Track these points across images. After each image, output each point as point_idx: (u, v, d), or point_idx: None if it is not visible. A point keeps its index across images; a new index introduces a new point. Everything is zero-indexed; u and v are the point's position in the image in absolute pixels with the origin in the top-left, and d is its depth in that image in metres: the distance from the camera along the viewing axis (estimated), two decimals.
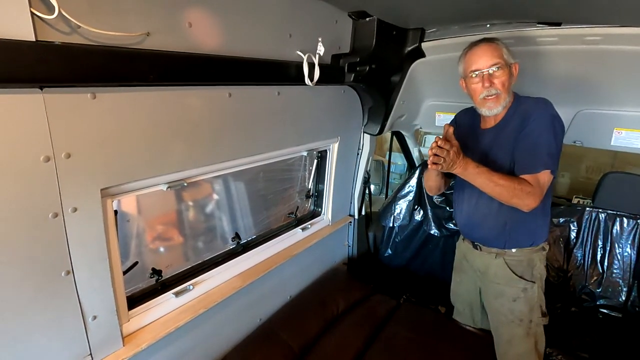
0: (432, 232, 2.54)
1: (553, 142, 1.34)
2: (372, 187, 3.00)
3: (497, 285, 1.56)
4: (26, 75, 0.83)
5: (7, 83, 0.81)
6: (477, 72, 1.41)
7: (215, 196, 1.82)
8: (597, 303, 2.28)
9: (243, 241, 1.85)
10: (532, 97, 1.45)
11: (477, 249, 1.64)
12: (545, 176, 1.33)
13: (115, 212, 1.20)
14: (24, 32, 0.80)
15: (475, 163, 1.32)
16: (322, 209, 2.31)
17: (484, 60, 1.39)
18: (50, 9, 0.82)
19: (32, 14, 0.80)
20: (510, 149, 1.42)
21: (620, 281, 2.23)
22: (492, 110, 1.44)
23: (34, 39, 0.82)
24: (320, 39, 1.51)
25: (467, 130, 1.63)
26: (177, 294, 1.45)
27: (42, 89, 0.87)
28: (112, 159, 1.06)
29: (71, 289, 1.06)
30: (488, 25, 1.71)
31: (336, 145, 2.13)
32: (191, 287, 1.51)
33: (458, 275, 1.84)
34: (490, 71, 1.39)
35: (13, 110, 0.84)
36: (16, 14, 0.79)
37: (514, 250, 1.53)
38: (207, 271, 1.61)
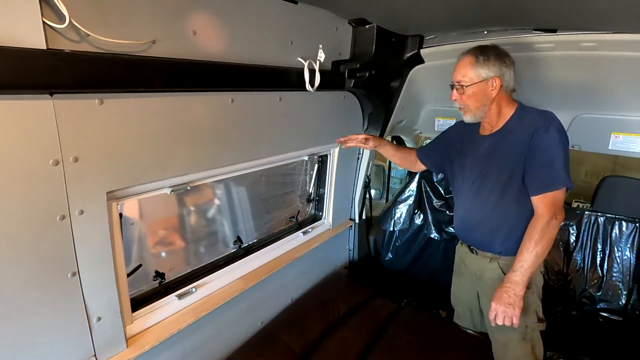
0: (432, 236, 2.56)
1: (565, 159, 1.37)
2: (373, 191, 3.02)
3: (491, 290, 1.56)
4: (37, 82, 0.86)
5: (19, 89, 0.84)
6: (451, 85, 1.50)
7: (217, 200, 1.84)
8: (598, 306, 2.28)
9: (245, 245, 1.87)
10: (537, 110, 1.47)
11: (473, 252, 1.66)
12: (563, 192, 1.39)
13: (120, 215, 1.22)
14: (36, 40, 0.83)
15: (517, 277, 1.38)
16: (323, 213, 2.33)
17: (454, 75, 1.48)
18: (61, 18, 0.85)
19: (44, 23, 0.84)
20: (513, 159, 1.44)
21: (620, 284, 2.23)
22: (465, 118, 1.53)
23: (45, 47, 0.85)
24: (320, 46, 1.54)
25: (464, 138, 1.67)
26: (179, 297, 1.47)
27: (52, 95, 0.90)
28: (118, 162, 1.08)
29: (77, 290, 1.08)
30: (485, 32, 1.74)
31: (337, 150, 2.16)
32: (194, 289, 1.52)
33: (457, 278, 1.86)
34: (456, 87, 1.47)
35: (24, 116, 0.87)
36: (29, 24, 0.82)
37: (508, 256, 1.54)
38: (209, 274, 1.62)
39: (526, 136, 1.41)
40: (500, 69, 1.42)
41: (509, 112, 1.49)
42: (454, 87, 1.48)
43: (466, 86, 1.44)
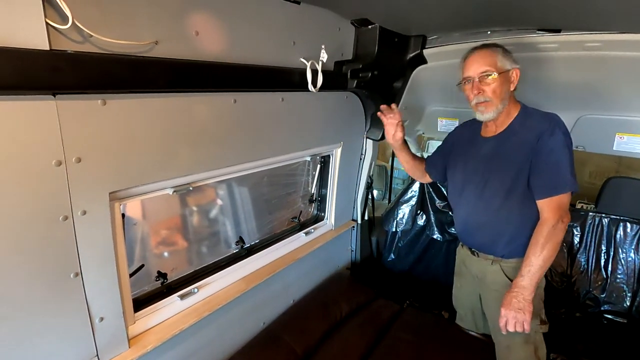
0: (434, 236, 2.55)
1: (571, 162, 1.36)
2: (375, 192, 3.01)
3: (494, 292, 1.56)
4: (40, 83, 0.86)
5: (22, 90, 0.84)
6: (468, 80, 1.44)
7: (219, 201, 1.84)
8: (602, 308, 2.27)
9: (247, 245, 1.87)
10: (541, 111, 1.45)
11: (474, 255, 1.65)
12: (569, 195, 1.37)
13: (123, 215, 1.22)
14: (39, 41, 0.84)
15: (525, 282, 1.36)
16: (325, 213, 2.32)
17: (474, 68, 1.41)
18: (64, 19, 0.86)
19: (47, 24, 0.84)
20: (517, 161, 1.42)
21: (625, 286, 2.22)
22: (484, 115, 1.45)
23: (48, 48, 0.85)
24: (323, 46, 1.54)
25: (466, 140, 1.65)
26: (182, 297, 1.47)
27: (55, 96, 0.90)
28: (121, 163, 1.09)
29: (79, 290, 1.08)
30: (489, 32, 1.73)
31: (339, 151, 2.15)
32: (196, 290, 1.53)
33: (458, 280, 1.85)
34: (480, 79, 1.41)
35: (27, 116, 0.87)
36: (32, 24, 0.82)
37: (510, 258, 1.52)
38: (211, 274, 1.62)
39: (531, 139, 1.39)
40: (517, 61, 1.42)
41: (514, 112, 1.48)
42: (474, 80, 1.41)
43: (499, 73, 1.38)
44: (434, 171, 1.85)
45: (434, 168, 1.85)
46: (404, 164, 1.91)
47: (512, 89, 1.43)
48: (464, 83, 1.46)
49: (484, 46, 1.43)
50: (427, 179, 1.92)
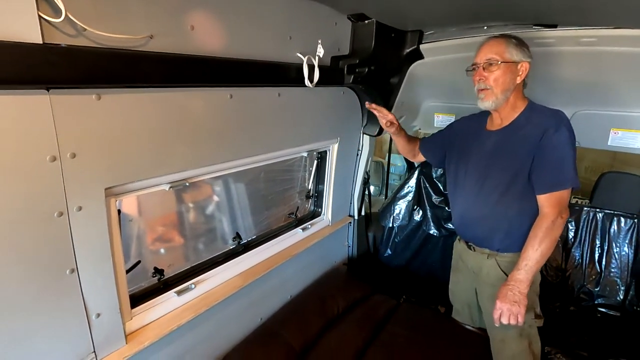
0: (431, 232, 2.56)
1: (574, 158, 1.37)
2: (372, 187, 3.02)
3: (489, 286, 1.57)
4: (33, 77, 0.85)
5: (15, 84, 0.83)
6: (475, 66, 1.46)
7: (216, 197, 1.84)
8: (596, 302, 2.30)
9: (244, 241, 1.87)
10: (548, 108, 1.45)
11: (471, 249, 1.66)
12: (569, 191, 1.39)
13: (119, 211, 1.22)
14: (32, 34, 0.82)
15: (521, 275, 1.38)
16: (322, 209, 2.33)
17: (481, 55, 1.44)
18: (57, 12, 0.84)
19: (40, 17, 0.82)
20: (520, 156, 1.42)
21: (618, 280, 2.25)
22: (484, 103, 1.47)
23: (41, 42, 0.84)
24: (320, 41, 1.53)
25: (471, 132, 1.65)
26: (178, 293, 1.47)
27: (48, 90, 0.89)
28: (116, 158, 1.08)
29: (75, 287, 1.08)
30: (485, 27, 1.73)
31: (336, 146, 2.15)
32: (193, 286, 1.52)
33: (455, 275, 1.86)
34: (484, 66, 1.42)
35: (21, 111, 0.86)
36: (24, 18, 0.81)
37: (506, 253, 1.54)
38: (208, 270, 1.62)
39: (536, 134, 1.39)
40: (529, 56, 1.43)
41: (520, 107, 1.48)
42: (479, 67, 1.43)
43: (501, 62, 1.39)
44: (430, 155, 1.88)
45: (428, 150, 1.88)
46: (399, 147, 1.98)
47: (517, 81, 1.43)
48: (472, 69, 1.48)
49: (500, 35, 1.45)
50: (419, 158, 1.95)
